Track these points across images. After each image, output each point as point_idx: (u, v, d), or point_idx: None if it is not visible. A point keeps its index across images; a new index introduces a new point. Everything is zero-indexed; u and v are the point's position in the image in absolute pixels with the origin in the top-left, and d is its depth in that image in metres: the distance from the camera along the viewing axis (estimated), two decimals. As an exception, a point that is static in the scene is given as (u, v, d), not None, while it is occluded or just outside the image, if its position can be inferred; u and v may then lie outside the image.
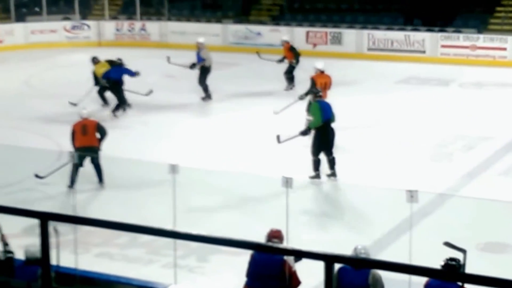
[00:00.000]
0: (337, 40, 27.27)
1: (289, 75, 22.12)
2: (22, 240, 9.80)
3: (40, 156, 15.46)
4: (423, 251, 9.42)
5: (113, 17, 30.87)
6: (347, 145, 16.49)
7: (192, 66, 21.34)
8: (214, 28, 29.07)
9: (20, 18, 30.46)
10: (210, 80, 21.33)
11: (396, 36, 26.76)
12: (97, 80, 20.24)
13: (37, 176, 14.02)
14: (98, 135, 14.43)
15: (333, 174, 14.55)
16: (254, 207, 13.36)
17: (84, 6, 31.09)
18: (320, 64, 18.12)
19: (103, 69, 20.31)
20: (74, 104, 19.39)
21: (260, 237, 8.49)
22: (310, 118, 14.86)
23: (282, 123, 17.08)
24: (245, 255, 8.33)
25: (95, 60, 20.67)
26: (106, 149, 14.35)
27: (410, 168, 14.96)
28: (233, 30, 28.76)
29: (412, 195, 9.33)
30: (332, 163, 14.51)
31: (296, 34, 27.76)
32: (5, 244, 8.73)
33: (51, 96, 21.57)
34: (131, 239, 11.47)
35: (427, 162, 15.51)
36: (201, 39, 21.88)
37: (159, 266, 10.78)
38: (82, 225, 4.62)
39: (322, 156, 14.42)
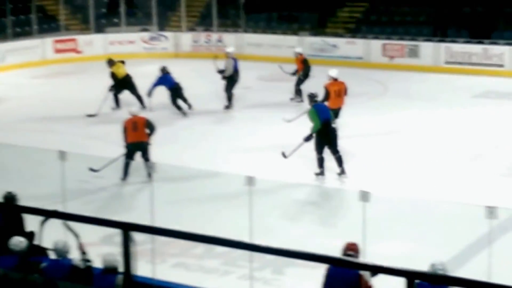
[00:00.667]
0: (414, 53, 27.00)
1: (297, 87, 21.82)
2: (100, 249, 9.93)
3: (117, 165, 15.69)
4: (502, 268, 9.24)
5: (191, 29, 31.13)
6: (422, 159, 16.36)
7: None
8: (290, 40, 29.02)
9: (99, 29, 31.00)
10: (284, 90, 21.45)
11: (474, 49, 26.35)
12: (116, 81, 21.04)
13: (91, 169, 14.90)
14: (147, 131, 15.34)
15: (342, 172, 15.16)
16: (330, 220, 13.31)
17: (162, 17, 31.41)
18: (333, 72, 18.22)
19: (121, 69, 21.27)
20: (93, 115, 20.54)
21: (336, 250, 8.44)
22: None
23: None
24: (321, 268, 8.27)
25: (111, 62, 21.37)
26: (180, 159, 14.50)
27: (485, 183, 14.71)
28: (309, 42, 28.69)
29: (491, 211, 9.18)
30: (339, 161, 15.14)
31: (372, 47, 27.61)
32: (83, 253, 8.84)
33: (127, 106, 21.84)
34: (208, 249, 11.51)
35: (502, 177, 15.22)
36: (229, 49, 22.34)
37: (235, 277, 10.79)
38: (162, 236, 4.63)
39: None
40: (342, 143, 15.82)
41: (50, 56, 28.91)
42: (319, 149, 15.17)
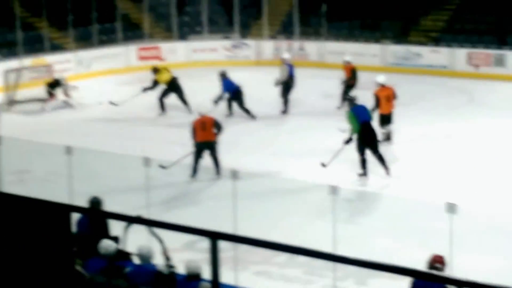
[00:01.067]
0: (500, 62, 26.46)
1: (344, 96, 21.27)
2: (182, 255, 10.00)
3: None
4: None
5: (272, 37, 31.15)
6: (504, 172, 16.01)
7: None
8: (372, 48, 28.85)
9: (182, 37, 31.26)
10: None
11: None
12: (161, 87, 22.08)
13: (161, 166, 15.35)
14: (215, 131, 16.05)
15: (387, 172, 15.62)
16: (415, 232, 13.12)
17: (244, 25, 31.49)
18: (381, 78, 18.78)
19: (164, 75, 22.17)
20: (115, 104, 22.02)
21: (421, 263, 8.30)
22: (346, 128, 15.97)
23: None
24: (406, 280, 8.15)
25: (155, 70, 22.43)
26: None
27: None
28: (392, 51, 28.44)
29: None
30: (380, 160, 15.57)
31: (457, 55, 27.18)
32: (168, 259, 8.91)
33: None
34: (290, 258, 11.47)
35: None
36: (285, 55, 22.83)
37: (318, 287, 10.72)
38: (252, 246, 4.58)
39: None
40: (421, 149, 15.61)
41: (134, 63, 29.34)
42: (361, 151, 15.52)
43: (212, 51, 30.33)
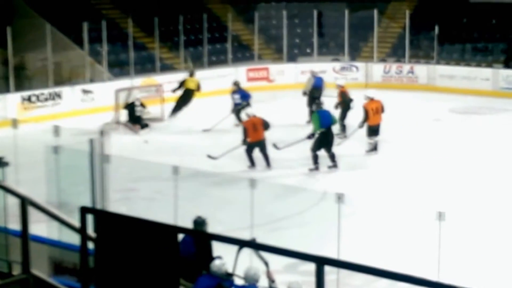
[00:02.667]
0: None
1: (341, 122, 21.13)
2: (285, 277, 10.01)
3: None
4: None
5: (382, 60, 31.02)
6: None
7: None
8: (484, 72, 28.40)
9: (291, 59, 31.41)
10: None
11: None
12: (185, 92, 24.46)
13: (209, 156, 17.10)
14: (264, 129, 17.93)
15: (334, 166, 18.14)
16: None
17: (353, 48, 31.45)
18: (370, 92, 20.67)
19: (191, 84, 24.51)
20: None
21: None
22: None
23: None
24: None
25: (191, 73, 25.12)
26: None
27: None
28: (504, 75, 27.92)
29: None
30: (332, 157, 18.11)
31: None
32: (272, 281, 8.93)
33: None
34: (391, 283, 11.32)
35: None
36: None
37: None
38: (359, 272, 4.60)
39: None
40: None
41: (242, 84, 29.55)
42: (316, 148, 18.07)
43: (321, 73, 30.30)
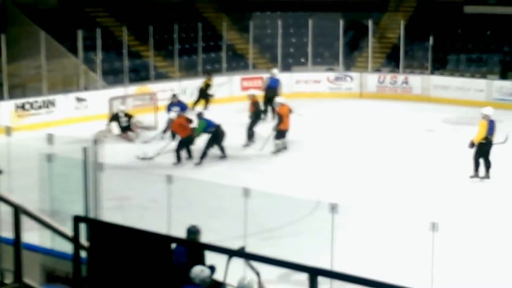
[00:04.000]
0: None
1: (249, 131, 22.04)
2: (278, 287, 10.03)
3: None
4: None
5: (376, 70, 31.09)
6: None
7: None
8: (478, 83, 28.51)
9: (286, 68, 31.40)
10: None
11: None
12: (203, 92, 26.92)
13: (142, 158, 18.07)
14: None
15: (223, 156, 20.31)
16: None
17: (348, 58, 31.58)
18: (280, 99, 22.47)
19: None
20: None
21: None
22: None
23: None
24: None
25: (209, 76, 27.44)
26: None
27: None
28: (498, 86, 28.03)
29: None
30: (223, 151, 20.30)
31: None
32: (263, 291, 8.94)
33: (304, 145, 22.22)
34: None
35: None
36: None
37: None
38: (352, 283, 4.62)
39: None
40: None
41: (236, 93, 29.69)
42: (209, 147, 20.12)
43: (315, 83, 30.45)
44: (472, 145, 18.50)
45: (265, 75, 26.87)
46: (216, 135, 20.36)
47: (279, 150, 21.10)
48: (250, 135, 22.14)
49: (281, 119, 21.11)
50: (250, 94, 23.30)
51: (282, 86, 26.85)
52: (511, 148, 19.43)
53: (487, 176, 18.41)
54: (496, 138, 18.70)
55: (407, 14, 32.66)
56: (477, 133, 18.58)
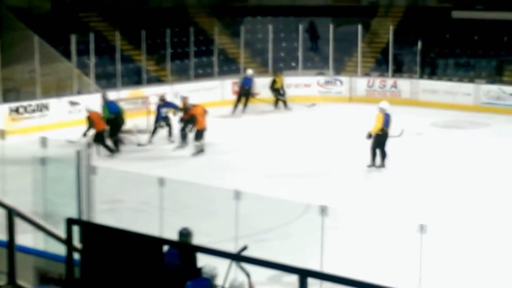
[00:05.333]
0: None
1: (182, 132, 22.43)
2: (267, 288, 10.20)
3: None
4: None
5: (365, 74, 31.33)
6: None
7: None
8: (466, 87, 28.80)
9: (277, 72, 31.69)
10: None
11: None
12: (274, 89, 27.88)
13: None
14: None
15: (115, 151, 21.09)
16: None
17: (338, 62, 31.77)
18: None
19: (280, 83, 27.39)
20: None
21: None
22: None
23: None
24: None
25: (276, 73, 28.31)
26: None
27: None
28: (486, 90, 28.32)
29: None
30: (116, 144, 21.21)
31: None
32: (252, 292, 9.11)
33: (293, 148, 22.43)
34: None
35: None
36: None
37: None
38: (342, 284, 4.78)
39: None
40: None
41: (228, 96, 29.89)
42: (115, 134, 21.46)
43: (306, 87, 30.66)
44: (369, 136, 19.77)
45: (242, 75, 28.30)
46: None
47: (198, 151, 21.46)
48: (183, 136, 22.40)
49: (196, 119, 21.57)
50: (182, 96, 23.54)
51: (255, 86, 28.36)
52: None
53: (382, 165, 19.81)
54: (392, 131, 20.02)
55: (396, 19, 32.96)
56: (373, 125, 19.74)
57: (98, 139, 21.27)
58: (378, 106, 20.26)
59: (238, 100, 28.10)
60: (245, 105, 28.17)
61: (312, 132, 24.61)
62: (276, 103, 28.74)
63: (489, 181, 18.65)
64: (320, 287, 10.27)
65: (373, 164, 19.81)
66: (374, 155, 19.84)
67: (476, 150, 21.91)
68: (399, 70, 31.08)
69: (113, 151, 21.40)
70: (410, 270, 11.38)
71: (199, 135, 21.64)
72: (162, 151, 22.26)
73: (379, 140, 19.80)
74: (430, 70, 30.99)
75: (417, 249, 10.93)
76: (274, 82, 28.79)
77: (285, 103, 28.67)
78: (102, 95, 23.06)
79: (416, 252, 10.98)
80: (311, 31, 33.40)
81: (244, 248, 9.00)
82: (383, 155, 19.84)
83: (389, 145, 22.04)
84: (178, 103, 23.68)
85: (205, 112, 21.90)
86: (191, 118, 21.76)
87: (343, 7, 34.35)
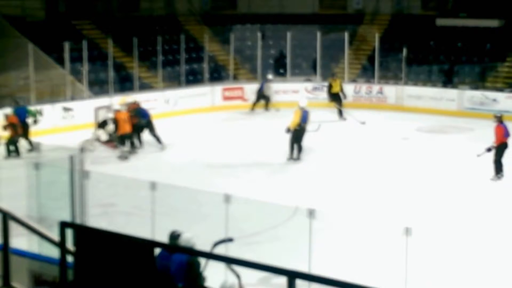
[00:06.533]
0: None
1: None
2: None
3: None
4: None
5: (352, 80, 31.66)
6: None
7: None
8: (450, 93, 29.20)
9: (333, 76, 31.95)
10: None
11: None
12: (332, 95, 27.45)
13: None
14: None
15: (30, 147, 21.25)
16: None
17: (325, 69, 32.01)
18: (116, 106, 22.85)
19: (338, 87, 26.86)
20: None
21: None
22: None
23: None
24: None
25: (332, 77, 28.04)
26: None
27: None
28: (469, 95, 28.76)
29: None
30: (30, 143, 21.65)
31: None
32: (245, 294, 9.20)
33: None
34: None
35: None
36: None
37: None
38: (329, 285, 4.80)
39: None
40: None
41: (218, 103, 30.28)
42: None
43: (294, 93, 30.86)
44: (288, 130, 21.42)
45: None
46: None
47: (125, 156, 21.74)
48: (132, 143, 22.66)
49: (118, 124, 21.88)
50: (130, 102, 23.57)
51: (269, 90, 29.56)
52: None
53: (298, 158, 21.32)
54: (310, 127, 21.70)
55: (382, 27, 33.32)
56: (292, 120, 21.05)
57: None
58: (298, 103, 21.87)
59: (256, 102, 29.33)
60: (265, 107, 29.49)
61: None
62: (340, 113, 27.92)
63: (471, 185, 18.99)
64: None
65: (291, 157, 21.30)
66: (292, 148, 21.34)
67: (459, 154, 22.17)
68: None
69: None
70: (396, 271, 11.53)
71: (121, 140, 22.01)
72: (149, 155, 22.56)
73: (297, 135, 21.31)
74: (415, 76, 31.31)
75: (403, 251, 11.04)
76: (330, 86, 28.50)
77: (340, 112, 27.90)
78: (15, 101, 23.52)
79: (402, 254, 11.09)
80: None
81: (228, 240, 9.26)
82: (299, 148, 21.38)
83: (378, 149, 22.36)
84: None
85: (126, 119, 22.02)
86: (115, 124, 22.04)
87: (330, 15, 34.72)
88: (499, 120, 19.60)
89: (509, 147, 19.56)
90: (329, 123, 26.18)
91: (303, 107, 21.67)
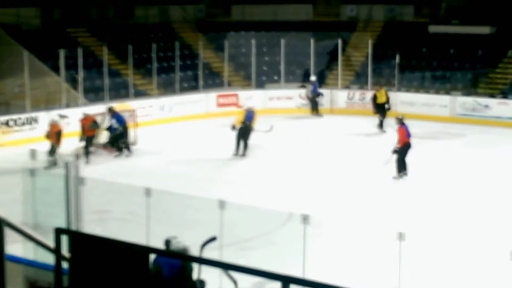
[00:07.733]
0: None
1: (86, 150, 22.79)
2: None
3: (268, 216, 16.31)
4: None
5: (346, 87, 31.87)
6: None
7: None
8: (442, 99, 29.41)
9: (260, 85, 32.15)
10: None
11: None
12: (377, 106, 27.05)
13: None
14: None
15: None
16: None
17: (320, 75, 32.14)
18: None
19: (383, 98, 26.87)
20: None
21: None
22: None
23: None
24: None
25: (378, 88, 27.80)
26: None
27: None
28: (461, 102, 28.96)
29: None
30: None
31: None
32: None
33: (282, 158, 22.96)
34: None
35: None
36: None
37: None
38: None
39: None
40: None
41: (213, 109, 30.44)
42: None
43: (288, 99, 31.06)
44: (233, 127, 23.00)
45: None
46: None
47: (51, 165, 20.88)
48: (87, 152, 22.78)
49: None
50: (85, 114, 23.69)
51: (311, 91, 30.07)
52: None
53: (243, 154, 22.67)
54: (258, 126, 23.07)
55: (375, 34, 33.58)
56: (236, 118, 23.04)
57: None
58: (246, 104, 23.59)
59: (314, 105, 29.98)
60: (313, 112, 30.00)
61: (294, 143, 25.11)
62: (381, 125, 27.15)
63: (463, 190, 19.14)
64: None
65: (236, 153, 22.76)
66: (238, 145, 22.85)
67: (451, 160, 22.35)
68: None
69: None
70: (390, 276, 11.61)
71: (52, 151, 21.76)
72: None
73: (241, 132, 22.83)
74: (408, 82, 31.48)
75: (396, 256, 11.17)
76: (375, 97, 27.92)
77: (381, 123, 27.18)
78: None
79: (395, 259, 11.21)
80: None
81: (212, 239, 9.41)
82: (245, 145, 22.84)
83: (371, 155, 22.45)
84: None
85: (60, 131, 22.23)
86: (82, 127, 22.86)
87: (324, 22, 34.98)
88: (401, 122, 20.48)
89: (412, 147, 20.19)
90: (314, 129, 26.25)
91: (249, 107, 23.48)
